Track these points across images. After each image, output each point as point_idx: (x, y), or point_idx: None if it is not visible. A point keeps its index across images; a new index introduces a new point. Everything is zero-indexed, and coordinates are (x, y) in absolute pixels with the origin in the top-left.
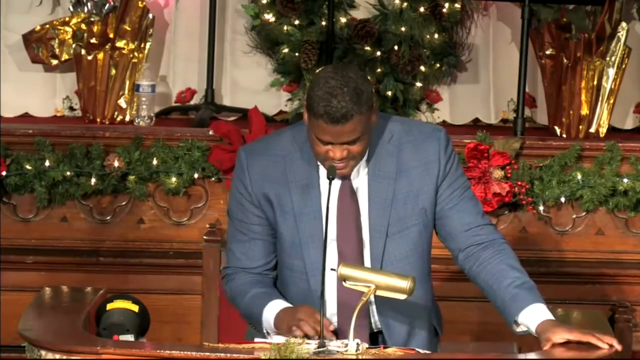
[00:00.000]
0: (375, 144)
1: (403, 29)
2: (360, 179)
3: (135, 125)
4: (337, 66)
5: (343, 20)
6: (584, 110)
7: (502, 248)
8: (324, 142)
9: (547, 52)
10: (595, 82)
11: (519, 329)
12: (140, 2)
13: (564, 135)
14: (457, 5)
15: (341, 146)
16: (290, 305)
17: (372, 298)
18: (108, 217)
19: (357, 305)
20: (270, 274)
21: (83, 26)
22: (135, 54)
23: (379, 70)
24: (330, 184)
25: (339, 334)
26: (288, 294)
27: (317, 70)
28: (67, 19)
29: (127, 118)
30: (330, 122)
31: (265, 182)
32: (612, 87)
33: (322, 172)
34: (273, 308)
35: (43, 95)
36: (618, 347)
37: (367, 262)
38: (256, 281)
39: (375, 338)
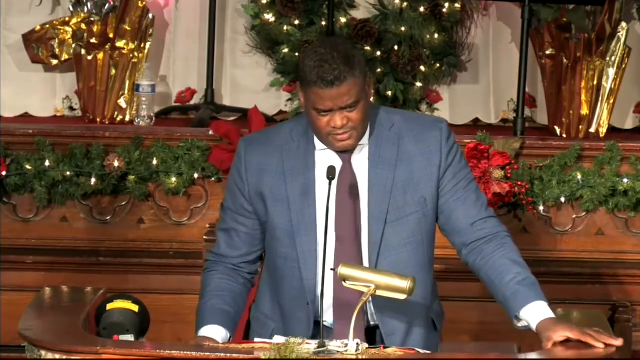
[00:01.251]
0: (376, 131)
1: (403, 29)
2: (360, 162)
3: (135, 125)
4: (324, 38)
5: (343, 20)
6: (584, 110)
7: (504, 242)
8: (323, 110)
9: (547, 52)
10: (595, 82)
11: (520, 324)
12: (140, 2)
13: (564, 135)
14: (457, 5)
15: (341, 113)
16: (210, 336)
17: None
18: (108, 217)
19: (353, 301)
20: (247, 268)
21: (83, 26)
22: (135, 54)
23: (379, 70)
24: (330, 184)
25: (333, 329)
26: (282, 285)
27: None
28: (67, 19)
29: (127, 118)
30: (325, 85)
31: (261, 172)
32: (612, 87)
33: (319, 161)
34: (202, 332)
35: (43, 95)
36: (617, 343)
37: (365, 249)
38: (224, 287)
39: (372, 333)
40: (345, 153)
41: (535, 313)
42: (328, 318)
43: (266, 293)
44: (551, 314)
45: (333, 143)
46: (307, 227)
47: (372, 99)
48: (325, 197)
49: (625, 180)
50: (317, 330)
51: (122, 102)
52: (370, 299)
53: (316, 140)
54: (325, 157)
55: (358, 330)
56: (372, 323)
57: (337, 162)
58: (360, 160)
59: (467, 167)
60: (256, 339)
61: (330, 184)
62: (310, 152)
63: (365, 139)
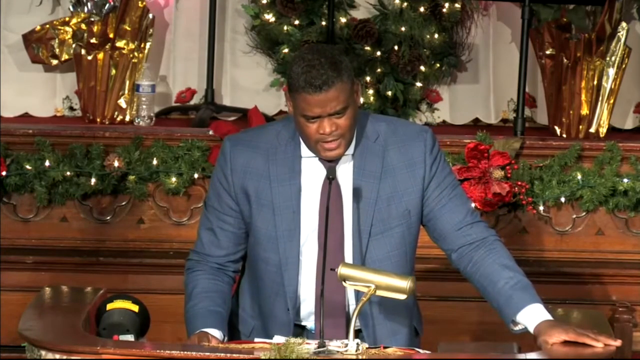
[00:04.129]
0: (361, 143)
1: (403, 29)
2: (345, 174)
3: (135, 125)
4: (311, 45)
5: (343, 20)
6: (584, 110)
7: (493, 247)
8: (312, 117)
9: (547, 52)
10: (595, 82)
11: (516, 328)
12: (140, 2)
13: (564, 135)
14: (457, 5)
15: (329, 119)
16: (209, 332)
17: (352, 299)
18: (108, 217)
19: (336, 306)
20: (231, 267)
21: (83, 26)
22: (135, 54)
23: (379, 70)
24: (330, 184)
25: (315, 332)
26: (262, 287)
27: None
28: (67, 19)
29: (127, 118)
30: (313, 91)
31: (246, 174)
32: (612, 87)
33: (305, 168)
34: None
35: (43, 95)
36: (615, 343)
37: (349, 261)
38: (212, 287)
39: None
40: (331, 163)
41: (531, 316)
42: (309, 323)
43: (247, 292)
44: (548, 316)
45: (321, 151)
46: (291, 234)
47: (372, 99)
48: (310, 205)
49: (625, 180)
50: (296, 334)
51: (122, 102)
52: (354, 304)
53: (302, 148)
54: (311, 166)
55: (339, 333)
56: (355, 328)
57: (323, 172)
58: (345, 172)
59: (452, 174)
60: (256, 339)
61: (330, 184)
62: (296, 159)
63: (350, 150)
